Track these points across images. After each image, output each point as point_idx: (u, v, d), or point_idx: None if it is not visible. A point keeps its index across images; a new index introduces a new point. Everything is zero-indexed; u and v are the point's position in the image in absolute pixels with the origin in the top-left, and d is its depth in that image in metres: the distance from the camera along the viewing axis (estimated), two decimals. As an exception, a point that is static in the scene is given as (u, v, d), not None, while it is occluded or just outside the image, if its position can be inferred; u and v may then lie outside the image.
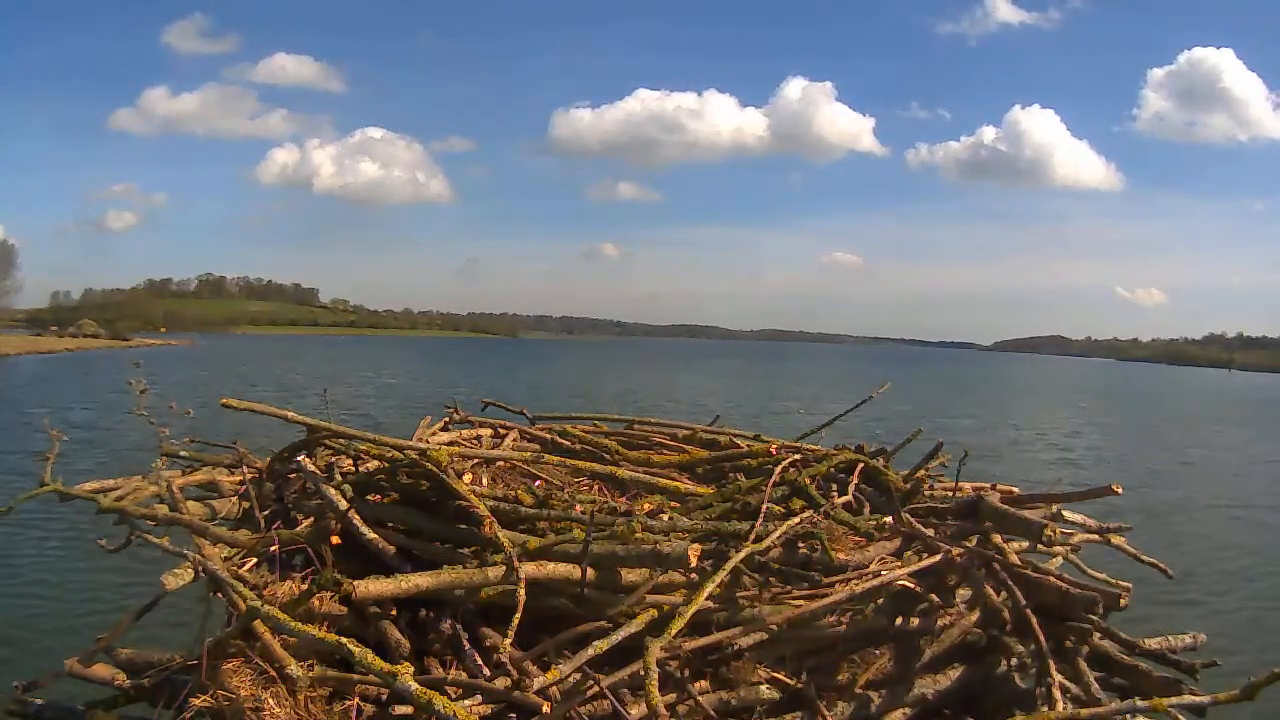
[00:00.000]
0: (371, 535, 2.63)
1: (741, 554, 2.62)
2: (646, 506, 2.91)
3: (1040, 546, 3.31)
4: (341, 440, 3.09)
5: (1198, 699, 2.48)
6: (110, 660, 2.69)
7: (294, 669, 2.23)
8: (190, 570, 2.53)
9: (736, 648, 2.61)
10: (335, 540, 2.65)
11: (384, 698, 2.35)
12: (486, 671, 2.37)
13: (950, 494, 3.54)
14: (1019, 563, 3.12)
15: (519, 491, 2.88)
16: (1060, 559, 3.48)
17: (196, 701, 2.26)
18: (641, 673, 2.25)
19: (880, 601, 2.85)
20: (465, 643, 2.47)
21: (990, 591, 3.03)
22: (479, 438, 4.12)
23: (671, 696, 2.49)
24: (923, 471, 3.56)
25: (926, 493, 3.49)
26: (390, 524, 2.75)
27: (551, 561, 2.54)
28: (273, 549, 2.66)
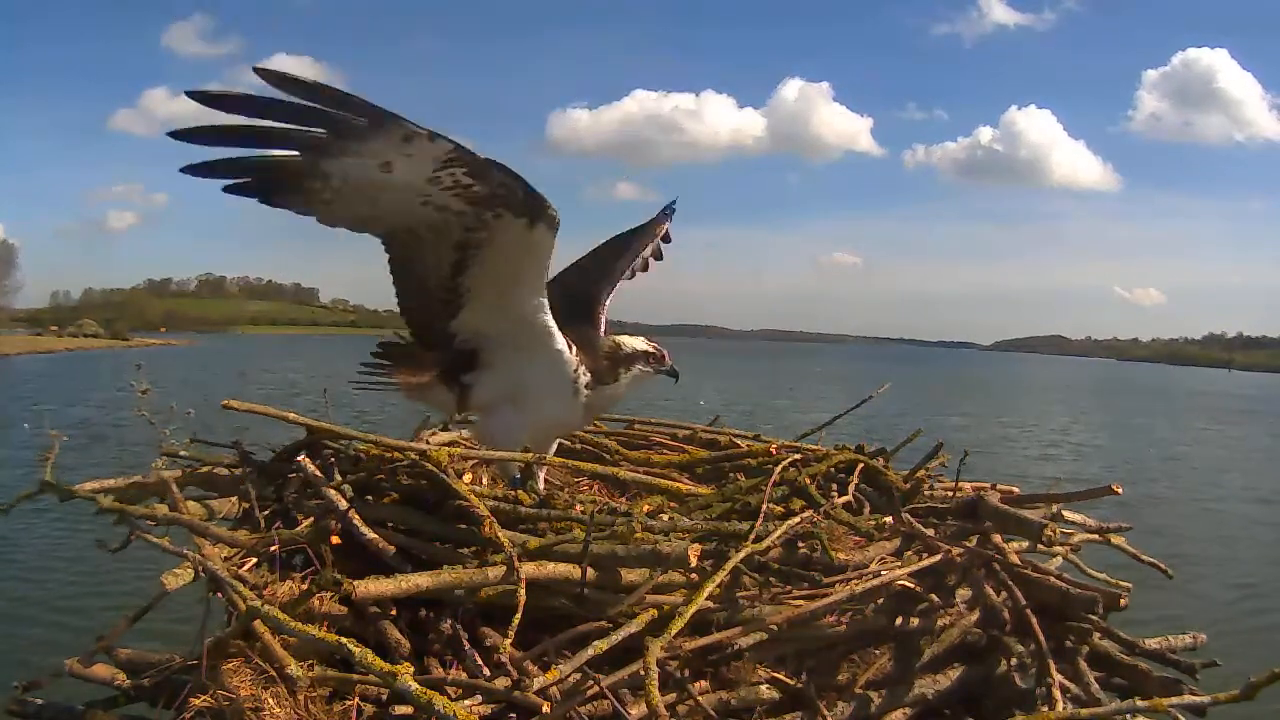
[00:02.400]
0: (371, 535, 2.63)
1: (741, 554, 2.62)
2: (646, 507, 2.91)
3: (1040, 546, 3.31)
4: (342, 441, 3.09)
5: (1198, 699, 2.48)
6: (110, 660, 2.69)
7: (294, 669, 2.23)
8: (190, 570, 2.52)
9: (736, 648, 2.60)
10: (335, 540, 2.65)
11: (384, 698, 2.34)
12: (486, 671, 2.37)
13: (950, 494, 3.54)
14: (1019, 563, 3.12)
15: (519, 491, 2.88)
16: (1060, 559, 3.48)
17: (196, 701, 2.26)
18: (641, 673, 2.25)
19: (880, 601, 2.84)
20: (465, 643, 2.47)
21: (990, 591, 3.03)
22: (479, 437, 4.11)
23: (671, 696, 2.49)
24: (923, 471, 3.55)
25: (926, 493, 3.49)
26: (390, 524, 2.75)
27: (551, 561, 2.54)
28: (273, 549, 2.65)
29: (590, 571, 2.53)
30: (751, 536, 2.70)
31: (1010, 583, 3.04)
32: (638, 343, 2.93)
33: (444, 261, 2.61)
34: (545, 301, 2.69)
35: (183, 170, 2.21)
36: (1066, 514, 3.52)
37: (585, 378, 2.86)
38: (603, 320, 3.08)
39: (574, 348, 2.83)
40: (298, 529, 2.78)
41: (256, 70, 2.11)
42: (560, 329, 2.79)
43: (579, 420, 2.97)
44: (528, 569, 2.43)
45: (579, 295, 3.10)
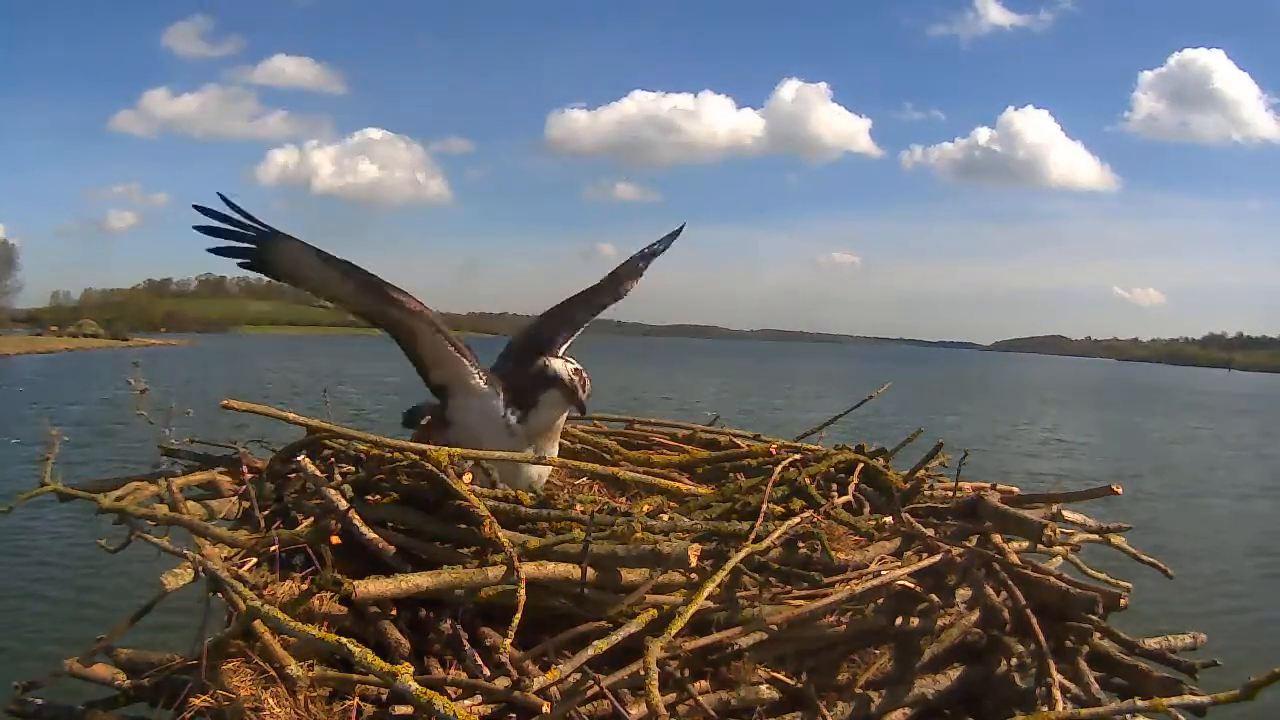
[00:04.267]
0: (371, 535, 2.63)
1: (741, 554, 2.62)
2: (646, 507, 2.91)
3: (1040, 546, 3.31)
4: (341, 441, 3.09)
5: (1197, 699, 2.48)
6: (110, 660, 2.69)
7: (294, 669, 2.23)
8: (190, 570, 2.52)
9: (736, 648, 2.60)
10: (335, 540, 2.65)
11: (384, 698, 2.35)
12: (486, 671, 2.37)
13: (950, 494, 3.53)
14: (1019, 563, 3.12)
15: (519, 491, 2.87)
16: (1060, 559, 3.48)
17: (196, 701, 2.26)
18: (641, 673, 2.25)
19: (880, 601, 2.84)
20: (465, 643, 2.47)
21: (990, 591, 3.03)
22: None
23: (671, 696, 2.49)
24: (923, 471, 3.55)
25: (926, 493, 3.49)
26: (390, 524, 2.75)
27: (551, 561, 2.54)
28: (273, 549, 2.65)
29: (590, 571, 2.53)
30: (751, 536, 2.70)
31: (1010, 583, 3.04)
32: (560, 366, 3.00)
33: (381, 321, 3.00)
34: (454, 350, 2.97)
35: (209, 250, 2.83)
36: (1066, 514, 3.52)
37: (515, 415, 3.02)
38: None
39: (500, 388, 3.00)
40: (298, 529, 2.77)
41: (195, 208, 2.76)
42: (492, 370, 3.01)
43: (528, 448, 3.04)
44: (528, 569, 2.43)
45: (537, 337, 3.28)
